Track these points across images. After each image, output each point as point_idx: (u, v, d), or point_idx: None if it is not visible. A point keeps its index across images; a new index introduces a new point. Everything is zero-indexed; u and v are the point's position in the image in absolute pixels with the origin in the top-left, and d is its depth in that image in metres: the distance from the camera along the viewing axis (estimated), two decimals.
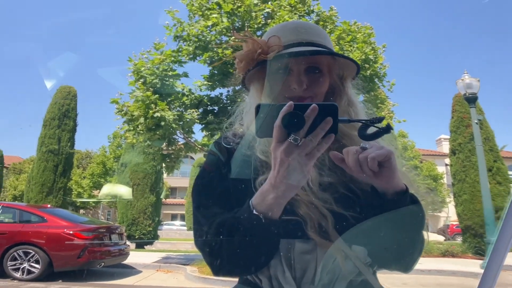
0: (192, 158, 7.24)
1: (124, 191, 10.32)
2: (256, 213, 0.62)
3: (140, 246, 9.91)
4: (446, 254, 8.64)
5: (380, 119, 0.61)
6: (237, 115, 0.79)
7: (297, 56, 0.71)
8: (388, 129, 0.63)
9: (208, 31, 5.22)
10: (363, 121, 0.63)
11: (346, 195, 0.69)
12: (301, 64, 0.73)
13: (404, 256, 0.72)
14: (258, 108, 0.58)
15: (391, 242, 0.68)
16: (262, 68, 0.73)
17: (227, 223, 0.66)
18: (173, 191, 22.81)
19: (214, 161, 0.72)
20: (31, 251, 4.77)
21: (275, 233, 0.65)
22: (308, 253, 0.70)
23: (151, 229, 10.55)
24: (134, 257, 6.26)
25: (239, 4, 5.20)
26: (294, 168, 0.57)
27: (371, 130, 0.62)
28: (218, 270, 0.69)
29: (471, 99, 7.28)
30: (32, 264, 4.75)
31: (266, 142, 0.70)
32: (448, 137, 10.30)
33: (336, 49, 5.99)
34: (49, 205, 7.40)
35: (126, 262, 5.78)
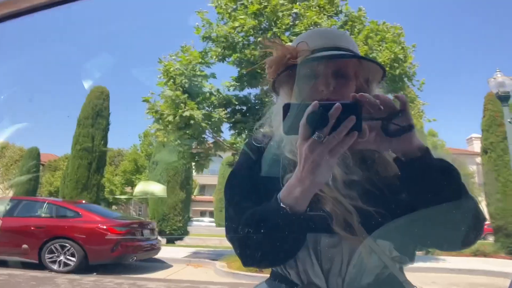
0: (220, 156, 7.33)
1: (158, 188, 10.56)
2: (283, 205, 0.64)
3: (170, 241, 10.12)
4: (477, 253, 8.48)
5: (408, 125, 0.64)
6: (267, 117, 0.82)
7: (324, 60, 0.76)
8: (410, 127, 0.64)
9: (236, 32, 5.32)
10: (386, 119, 0.64)
11: (370, 191, 0.70)
12: (328, 68, 0.75)
13: (453, 228, 0.70)
14: (285, 107, 0.64)
15: (433, 216, 0.66)
16: (291, 72, 0.78)
17: (256, 215, 0.69)
18: (202, 188, 23.06)
19: (245, 160, 0.78)
20: (67, 244, 4.97)
21: (302, 226, 0.67)
22: (334, 247, 0.71)
23: (181, 225, 10.78)
24: (165, 252, 6.40)
25: (265, 4, 5.27)
26: (318, 163, 0.62)
27: (394, 127, 0.65)
28: (247, 261, 0.71)
29: (504, 98, 7.11)
30: (68, 257, 4.94)
31: (294, 142, 0.71)
32: (479, 136, 10.09)
33: (364, 48, 6.00)
34: (83, 201, 7.66)
35: (157, 256, 5.92)
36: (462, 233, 0.70)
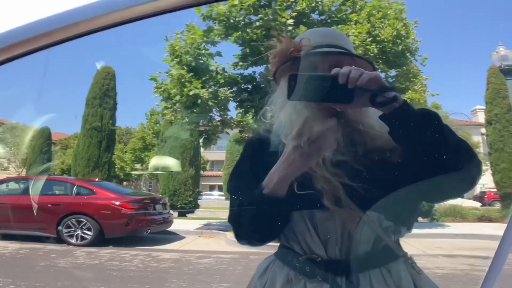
0: (227, 133, 7.47)
1: (172, 162, 10.69)
2: (264, 192, 0.75)
3: (182, 214, 10.37)
4: (482, 219, 8.52)
5: (392, 88, 0.75)
6: (269, 104, 0.90)
7: (323, 55, 0.87)
8: (395, 98, 0.71)
9: (235, 11, 5.37)
10: (374, 91, 0.71)
11: (355, 169, 0.77)
12: (326, 63, 0.82)
13: (454, 168, 0.72)
14: (291, 76, 0.75)
15: (427, 165, 0.71)
16: (292, 64, 0.89)
17: (245, 202, 0.79)
18: (211, 164, 23.34)
19: (246, 153, 0.87)
20: (83, 220, 5.20)
21: (282, 208, 0.77)
22: (328, 219, 0.78)
23: (191, 199, 11.04)
24: (178, 225, 6.59)
25: None
26: (295, 161, 0.75)
27: (381, 99, 0.75)
28: (240, 239, 0.82)
29: (508, 71, 7.08)
30: (84, 231, 5.18)
31: (290, 126, 0.80)
32: (484, 107, 10.12)
33: (367, 26, 6.03)
34: (97, 179, 7.90)
35: (170, 229, 6.12)
36: (460, 174, 0.74)
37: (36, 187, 5.78)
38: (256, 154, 0.88)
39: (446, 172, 0.72)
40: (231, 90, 5.78)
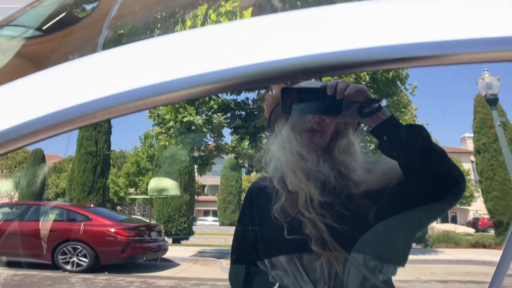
0: (222, 157, 7.51)
1: (171, 185, 10.61)
2: None
3: (176, 241, 10.28)
4: (476, 245, 8.47)
5: (377, 100, 0.82)
6: (264, 153, 0.95)
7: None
8: (380, 107, 0.78)
9: None
10: (361, 102, 0.77)
11: (340, 211, 0.81)
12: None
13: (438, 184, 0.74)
14: (283, 90, 0.81)
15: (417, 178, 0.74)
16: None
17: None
18: (205, 188, 23.17)
19: (244, 208, 0.93)
20: (79, 246, 5.13)
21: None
22: (315, 261, 0.83)
23: (186, 225, 10.99)
24: (173, 252, 6.54)
25: (236, 5, 5.38)
26: None
27: (367, 109, 0.81)
28: None
29: (492, 101, 7.14)
30: (80, 258, 5.13)
31: (282, 173, 0.86)
32: (472, 135, 10.15)
33: None
34: (92, 205, 7.88)
35: (165, 256, 6.02)
36: (446, 189, 0.76)
37: (30, 213, 5.77)
38: (253, 205, 0.93)
39: (436, 184, 0.76)
40: (225, 116, 5.83)
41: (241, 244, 0.93)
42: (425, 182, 0.77)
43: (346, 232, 0.80)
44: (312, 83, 0.93)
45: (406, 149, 0.77)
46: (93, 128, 11.97)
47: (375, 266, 0.84)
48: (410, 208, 0.79)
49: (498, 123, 7.19)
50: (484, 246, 8.66)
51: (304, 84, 0.89)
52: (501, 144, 7.25)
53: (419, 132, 0.79)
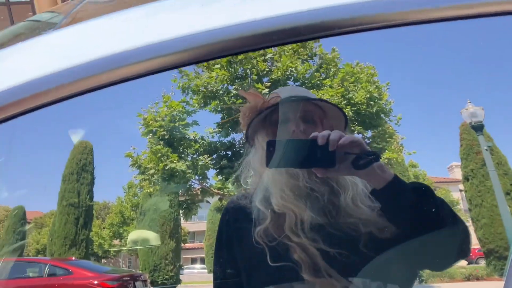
0: (208, 202, 7.39)
1: (151, 236, 10.45)
2: None
3: None
4: (470, 278, 8.43)
5: (375, 153, 0.73)
6: (243, 167, 0.92)
7: (293, 106, 0.86)
8: (377, 157, 0.73)
9: (213, 82, 5.52)
10: (357, 154, 0.73)
11: (334, 234, 0.75)
12: (297, 112, 0.85)
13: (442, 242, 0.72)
14: (268, 143, 0.73)
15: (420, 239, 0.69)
16: (264, 119, 0.88)
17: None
18: (191, 235, 22.79)
19: (221, 228, 0.86)
20: None
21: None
22: None
23: (173, 274, 10.66)
24: None
25: None
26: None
27: (362, 161, 0.73)
28: None
29: (478, 127, 7.27)
30: None
31: (265, 191, 0.79)
32: (459, 164, 10.31)
33: (341, 90, 6.22)
34: (73, 258, 7.59)
35: None
36: (452, 244, 0.73)
37: (6, 270, 5.50)
38: (231, 226, 0.85)
39: (438, 243, 0.71)
40: (211, 158, 5.78)
41: (220, 273, 0.80)
42: (429, 243, 0.72)
43: (343, 257, 0.73)
44: (299, 90, 0.89)
45: (411, 214, 0.71)
46: (76, 180, 11.82)
47: None
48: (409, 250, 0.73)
49: (485, 148, 7.25)
50: (477, 279, 8.65)
51: (288, 91, 0.82)
52: (489, 169, 7.32)
53: (425, 196, 0.73)
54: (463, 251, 0.74)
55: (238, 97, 5.42)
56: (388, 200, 0.70)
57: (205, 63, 5.93)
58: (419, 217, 0.70)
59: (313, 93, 0.98)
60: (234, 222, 0.84)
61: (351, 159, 0.71)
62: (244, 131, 0.90)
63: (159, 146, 5.51)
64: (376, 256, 0.70)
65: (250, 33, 0.57)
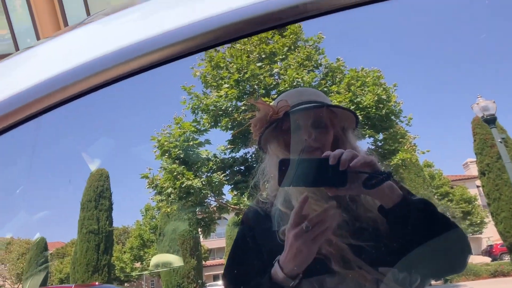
0: (225, 218, 7.42)
1: (173, 258, 10.48)
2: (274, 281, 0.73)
3: None
4: (496, 274, 8.30)
5: (384, 172, 0.76)
6: (260, 174, 0.95)
7: (303, 113, 0.88)
8: (389, 176, 0.76)
9: (222, 101, 5.58)
10: (368, 173, 0.75)
11: (360, 227, 0.80)
12: (307, 119, 0.88)
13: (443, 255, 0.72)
14: (281, 162, 0.76)
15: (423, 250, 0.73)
16: (275, 128, 0.90)
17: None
18: (211, 252, 22.79)
19: (243, 231, 0.87)
20: None
21: None
22: (339, 283, 0.77)
23: None
24: None
25: (245, 71, 5.57)
26: (301, 250, 0.72)
27: (373, 181, 0.75)
28: None
29: (490, 120, 7.22)
30: None
31: (286, 194, 0.84)
32: (474, 159, 10.18)
33: (348, 95, 6.22)
34: (97, 283, 7.63)
35: None
36: (452, 258, 0.75)
37: None
38: (254, 231, 0.85)
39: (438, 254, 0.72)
40: (225, 174, 5.83)
41: (241, 276, 0.84)
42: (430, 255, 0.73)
43: (369, 248, 0.78)
44: (307, 92, 0.92)
45: (414, 231, 0.79)
46: (94, 207, 11.90)
47: (403, 280, 0.81)
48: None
49: (499, 140, 7.20)
50: (504, 275, 8.47)
51: (298, 94, 0.85)
52: (504, 161, 7.25)
53: (429, 212, 0.77)
54: (459, 265, 0.77)
55: (248, 111, 5.47)
56: (395, 219, 0.73)
57: (214, 83, 6.02)
58: (424, 233, 0.75)
59: (320, 92, 1.03)
60: (257, 225, 0.88)
61: (362, 179, 0.72)
62: (256, 141, 0.92)
63: (174, 165, 5.58)
64: (399, 247, 0.74)
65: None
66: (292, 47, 6.11)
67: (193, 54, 0.72)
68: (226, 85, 5.57)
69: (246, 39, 5.49)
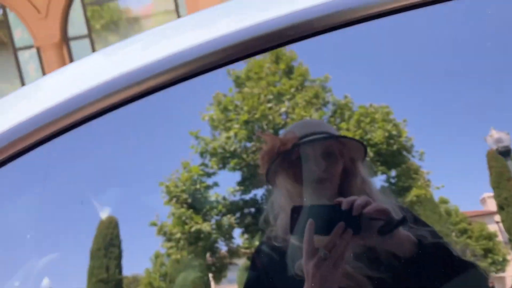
0: (236, 264, 7.31)
1: None
2: None
3: None
4: None
5: (402, 222, 0.70)
6: (269, 208, 0.91)
7: (311, 144, 0.84)
8: (404, 220, 0.70)
9: (231, 141, 5.60)
10: (382, 219, 0.69)
11: (377, 258, 0.72)
12: (316, 150, 0.84)
13: None
14: (293, 210, 0.71)
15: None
16: (283, 161, 0.86)
17: None
18: None
19: (254, 270, 0.82)
20: None
21: None
22: None
23: None
24: None
25: (255, 112, 5.62)
26: (325, 278, 0.66)
27: (387, 227, 0.70)
28: None
29: (505, 153, 7.18)
30: None
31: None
32: (491, 194, 10.04)
33: (358, 132, 6.21)
34: None
35: None
36: None
37: None
38: (267, 269, 0.84)
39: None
40: (235, 217, 5.74)
41: None
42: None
43: (392, 279, 0.70)
44: (314, 123, 0.90)
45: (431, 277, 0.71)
46: (104, 255, 11.74)
47: None
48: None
49: None
50: None
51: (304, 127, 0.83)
52: None
53: (445, 254, 0.75)
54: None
55: (256, 152, 5.48)
56: (408, 269, 0.70)
57: (221, 126, 6.06)
58: (441, 278, 0.70)
59: (326, 123, 0.99)
60: (269, 263, 0.82)
61: (377, 226, 0.69)
62: (264, 175, 0.89)
63: (182, 210, 5.52)
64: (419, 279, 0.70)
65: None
66: (300, 87, 6.13)
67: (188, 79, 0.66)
68: (236, 125, 5.58)
69: (254, 82, 5.58)
